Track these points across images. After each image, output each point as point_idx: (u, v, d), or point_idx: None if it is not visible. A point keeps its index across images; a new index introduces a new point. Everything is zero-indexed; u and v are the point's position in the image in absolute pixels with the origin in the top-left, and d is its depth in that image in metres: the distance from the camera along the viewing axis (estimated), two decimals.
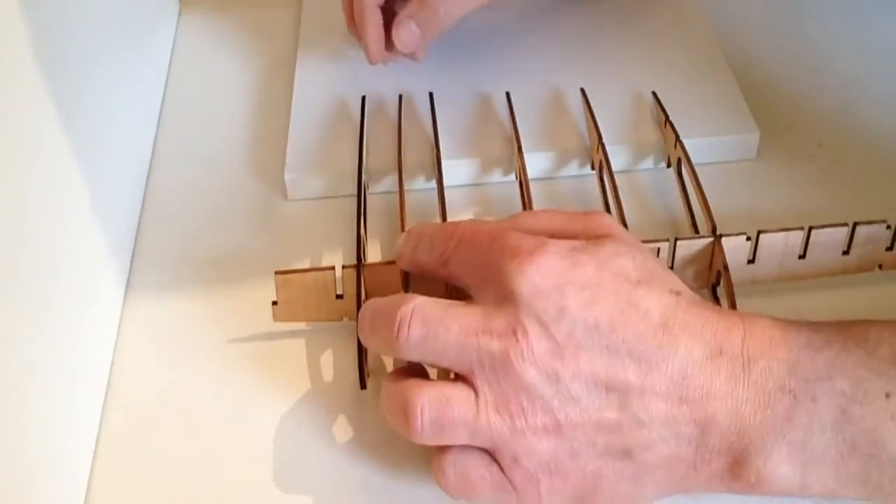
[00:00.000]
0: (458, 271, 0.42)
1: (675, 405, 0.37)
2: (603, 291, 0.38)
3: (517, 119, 0.55)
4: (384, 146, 0.56)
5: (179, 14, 0.69)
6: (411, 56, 0.58)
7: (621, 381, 0.37)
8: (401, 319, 0.39)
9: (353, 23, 0.58)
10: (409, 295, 0.40)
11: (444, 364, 0.39)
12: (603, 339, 0.37)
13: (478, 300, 0.40)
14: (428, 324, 0.38)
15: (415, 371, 0.41)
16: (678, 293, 0.39)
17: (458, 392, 0.38)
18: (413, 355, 0.39)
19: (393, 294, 0.42)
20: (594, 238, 0.40)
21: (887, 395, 0.37)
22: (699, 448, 0.37)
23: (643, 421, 0.37)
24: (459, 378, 0.38)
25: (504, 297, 0.38)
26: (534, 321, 0.37)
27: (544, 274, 0.38)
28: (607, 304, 0.38)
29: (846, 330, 0.38)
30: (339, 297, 0.47)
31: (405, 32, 0.55)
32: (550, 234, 0.40)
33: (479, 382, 0.38)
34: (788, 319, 0.39)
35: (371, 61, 0.57)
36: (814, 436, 0.37)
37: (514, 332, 0.37)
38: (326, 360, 0.48)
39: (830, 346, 0.38)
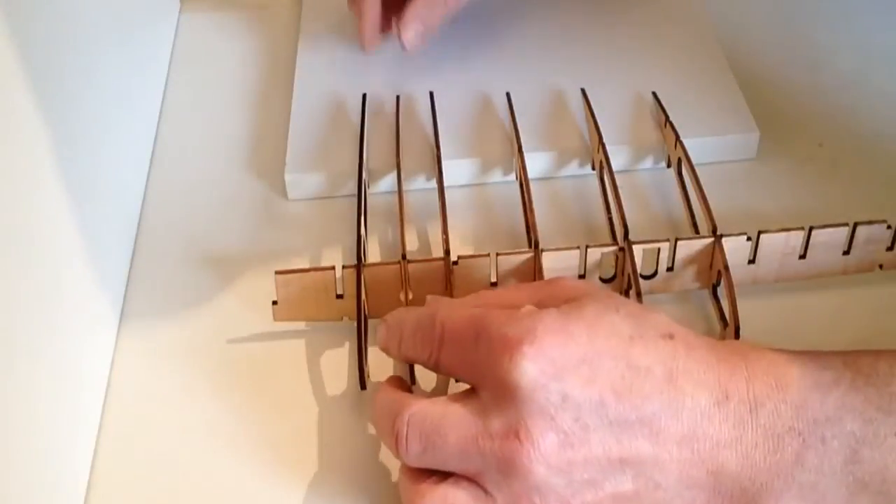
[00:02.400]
0: (453, 372, 0.41)
1: (687, 461, 0.37)
2: (600, 360, 0.37)
3: (517, 119, 0.55)
4: (384, 146, 0.56)
5: (179, 13, 0.68)
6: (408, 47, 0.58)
7: (634, 452, 0.36)
8: (397, 434, 0.38)
9: (355, 3, 0.60)
10: (406, 401, 0.39)
11: (451, 470, 0.38)
12: (610, 414, 0.36)
13: (479, 392, 0.38)
14: (424, 437, 0.38)
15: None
16: (671, 336, 0.38)
17: (464, 495, 0.37)
18: (419, 465, 0.38)
19: (393, 291, 0.42)
20: (565, 303, 0.39)
21: None
22: (713, 495, 0.37)
23: (659, 483, 0.37)
24: (465, 477, 0.38)
25: (502, 392, 0.37)
26: (536, 416, 0.36)
27: (539, 362, 0.36)
28: (608, 374, 0.36)
29: (853, 364, 0.38)
30: (339, 296, 0.47)
31: (412, 33, 0.57)
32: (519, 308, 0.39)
33: (488, 485, 0.37)
34: (790, 353, 0.38)
35: (365, 49, 0.59)
36: (824, 477, 0.36)
37: (517, 434, 0.36)
38: (326, 360, 0.48)
39: (838, 385, 0.37)
